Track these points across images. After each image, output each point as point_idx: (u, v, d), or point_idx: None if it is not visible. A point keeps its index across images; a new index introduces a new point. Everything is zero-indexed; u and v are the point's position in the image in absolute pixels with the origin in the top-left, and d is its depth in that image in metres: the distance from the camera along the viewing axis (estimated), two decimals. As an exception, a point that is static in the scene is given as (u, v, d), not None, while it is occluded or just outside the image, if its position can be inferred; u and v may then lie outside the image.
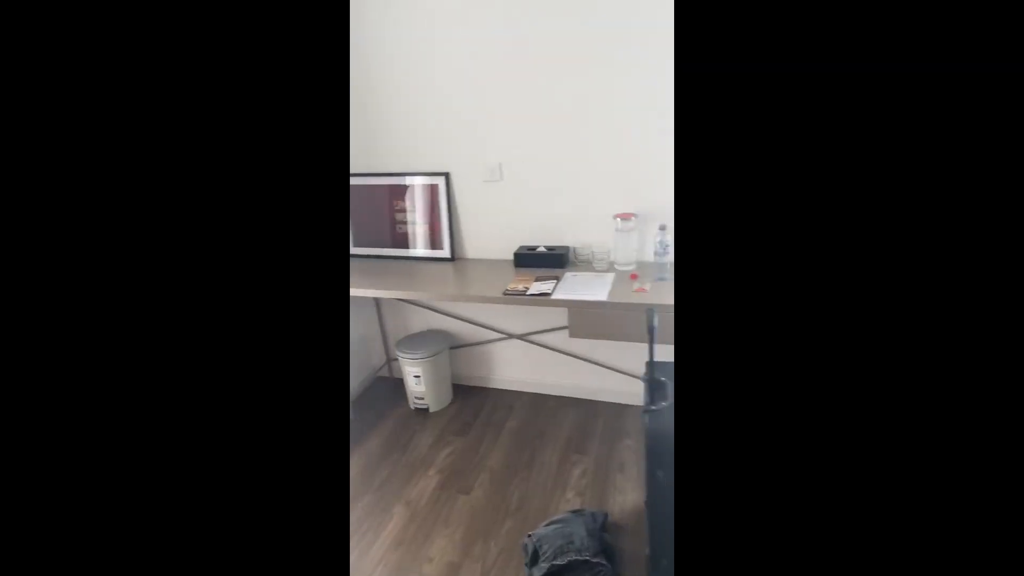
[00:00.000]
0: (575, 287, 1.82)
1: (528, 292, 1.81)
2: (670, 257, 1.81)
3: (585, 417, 2.16)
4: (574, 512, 1.60)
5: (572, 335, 1.95)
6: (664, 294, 1.68)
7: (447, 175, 2.13)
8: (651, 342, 1.32)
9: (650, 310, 1.34)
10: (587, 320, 1.82)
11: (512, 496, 1.77)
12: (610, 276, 1.87)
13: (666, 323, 1.89)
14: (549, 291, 1.80)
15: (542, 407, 2.25)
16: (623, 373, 2.18)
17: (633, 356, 2.15)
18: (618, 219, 1.88)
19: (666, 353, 1.95)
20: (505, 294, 1.81)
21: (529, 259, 2.03)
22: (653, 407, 1.31)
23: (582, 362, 2.22)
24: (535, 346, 2.27)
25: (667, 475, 1.24)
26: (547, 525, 1.54)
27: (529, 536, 1.52)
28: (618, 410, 2.18)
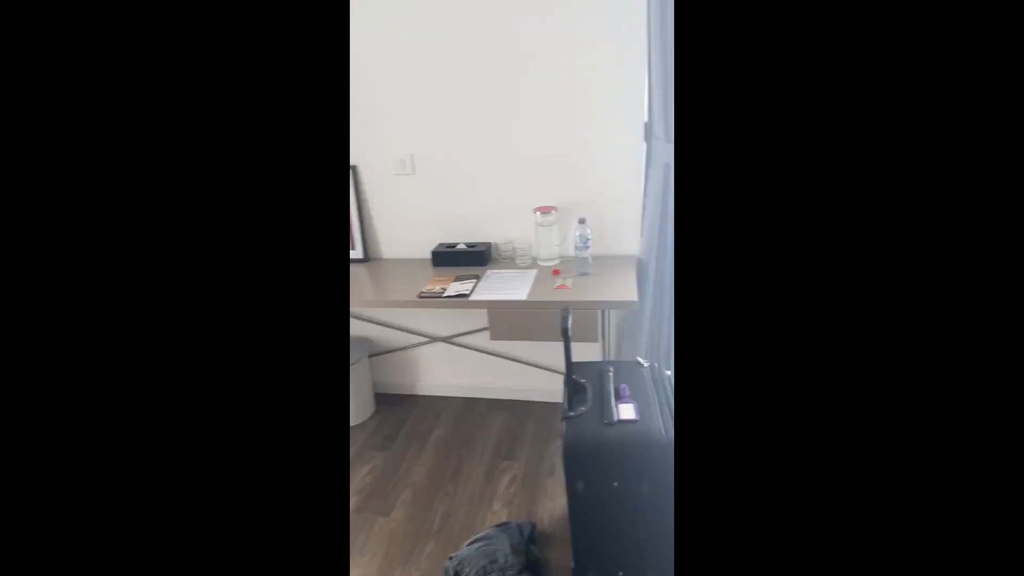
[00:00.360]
0: (496, 286, 1.71)
1: (445, 294, 1.69)
2: (591, 251, 1.74)
3: (515, 419, 2.07)
4: (499, 527, 1.50)
5: (493, 337, 1.85)
6: (586, 290, 1.62)
7: (354, 168, 1.95)
8: (566, 344, 1.24)
9: (564, 310, 1.25)
10: (507, 321, 1.73)
11: (435, 514, 1.65)
12: (532, 273, 1.79)
13: (586, 320, 1.83)
14: (468, 292, 1.68)
15: (470, 412, 2.14)
16: (554, 371, 2.11)
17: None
18: (538, 213, 1.80)
19: (588, 352, 1.90)
20: (420, 297, 1.67)
21: (448, 257, 1.91)
22: (571, 413, 1.23)
23: (511, 362, 2.13)
24: (461, 348, 2.16)
25: (588, 486, 1.17)
26: (470, 544, 1.44)
27: (450, 558, 1.41)
28: (549, 410, 2.11)
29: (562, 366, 2.08)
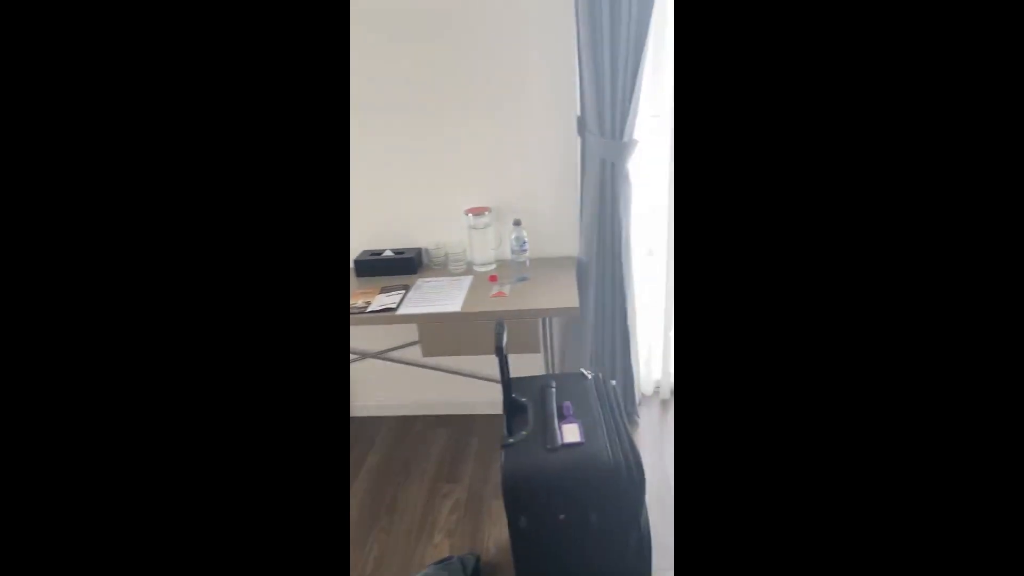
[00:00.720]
0: (427, 297, 1.56)
1: (369, 308, 1.51)
2: (529, 254, 1.63)
3: (457, 436, 1.93)
4: (440, 564, 1.36)
5: (425, 353, 1.70)
6: (525, 297, 1.50)
7: (259, 169, 1.72)
8: (501, 363, 1.11)
9: (498, 325, 1.13)
10: (440, 335, 1.58)
11: (368, 556, 1.48)
12: (467, 280, 1.65)
13: (526, 330, 1.71)
14: (394, 305, 1.52)
15: (408, 432, 1.98)
16: (497, 382, 1.99)
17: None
18: (470, 215, 1.66)
19: (530, 364, 1.77)
20: (340, 313, 1.49)
21: (373, 266, 1.73)
22: (511, 439, 1.11)
23: (451, 375, 1.98)
24: (395, 364, 1.98)
25: (531, 521, 1.05)
26: (407, 589, 1.29)
27: (384, 609, 1.25)
28: (494, 423, 1.99)
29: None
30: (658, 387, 2.00)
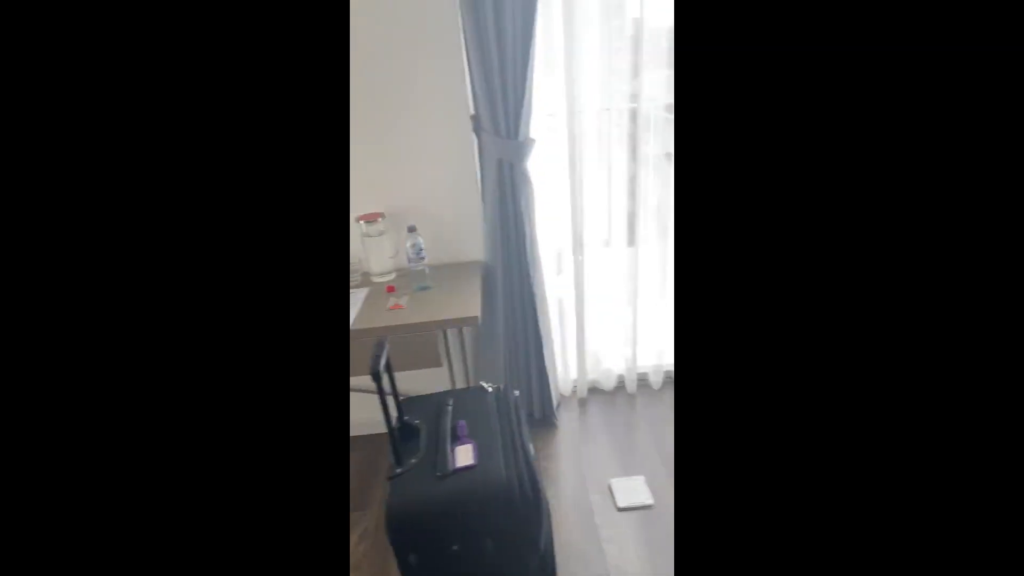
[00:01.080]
0: (316, 313, 1.43)
1: (248, 331, 1.36)
2: (429, 260, 1.54)
3: (368, 458, 1.81)
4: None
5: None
6: (424, 308, 1.41)
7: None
8: (380, 389, 1.02)
9: (377, 345, 1.03)
10: (330, 356, 1.46)
11: (260, 605, 1.34)
12: (363, 293, 1.53)
13: (427, 343, 1.61)
14: (276, 326, 1.37)
15: (314, 459, 1.83)
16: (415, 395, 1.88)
17: (416, 372, 1.85)
18: (362, 222, 1.54)
19: (434, 379, 1.67)
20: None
21: (257, 282, 1.56)
22: (399, 470, 1.02)
23: (358, 393, 1.85)
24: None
25: (423, 558, 0.97)
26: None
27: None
28: (408, 439, 1.88)
29: (417, 387, 1.86)
30: (575, 387, 1.99)
